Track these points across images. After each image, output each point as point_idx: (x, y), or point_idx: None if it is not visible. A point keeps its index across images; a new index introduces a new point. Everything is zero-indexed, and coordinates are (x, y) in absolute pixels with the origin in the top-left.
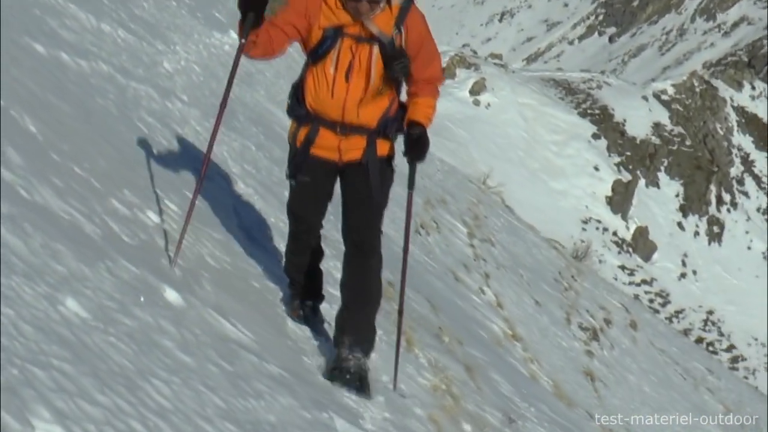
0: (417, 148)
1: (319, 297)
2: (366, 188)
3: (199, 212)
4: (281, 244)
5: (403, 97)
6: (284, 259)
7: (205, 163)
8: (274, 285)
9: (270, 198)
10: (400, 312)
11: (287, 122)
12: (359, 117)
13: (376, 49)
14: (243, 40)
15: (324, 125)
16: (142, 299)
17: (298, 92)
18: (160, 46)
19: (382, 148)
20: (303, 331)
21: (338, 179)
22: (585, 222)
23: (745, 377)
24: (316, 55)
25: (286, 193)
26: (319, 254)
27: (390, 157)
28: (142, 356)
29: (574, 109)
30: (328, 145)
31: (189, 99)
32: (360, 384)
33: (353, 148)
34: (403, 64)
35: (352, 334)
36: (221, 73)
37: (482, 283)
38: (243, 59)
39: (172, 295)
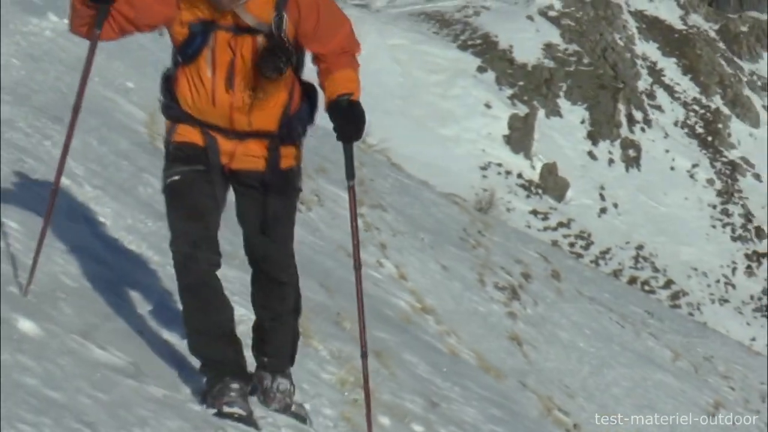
0: (349, 121)
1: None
2: (267, 211)
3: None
4: (143, 247)
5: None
6: (186, 330)
7: (59, 171)
8: (142, 295)
9: (122, 196)
10: (364, 355)
11: (129, 108)
12: (252, 124)
13: (261, 39)
14: (98, 30)
15: (212, 129)
16: None
17: (172, 90)
18: None
19: (287, 157)
20: (184, 344)
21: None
22: (484, 168)
23: (690, 314)
24: (185, 54)
25: (141, 189)
26: (228, 307)
27: (295, 171)
28: (4, 400)
29: (453, 42)
30: (219, 149)
31: (13, 98)
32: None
33: (250, 155)
34: (275, 63)
35: (274, 356)
36: (46, 63)
37: (379, 255)
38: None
39: (26, 325)
